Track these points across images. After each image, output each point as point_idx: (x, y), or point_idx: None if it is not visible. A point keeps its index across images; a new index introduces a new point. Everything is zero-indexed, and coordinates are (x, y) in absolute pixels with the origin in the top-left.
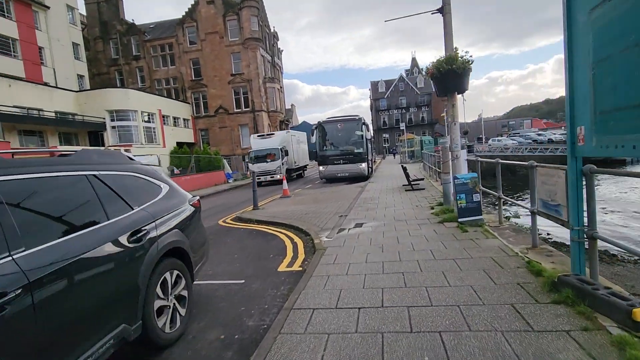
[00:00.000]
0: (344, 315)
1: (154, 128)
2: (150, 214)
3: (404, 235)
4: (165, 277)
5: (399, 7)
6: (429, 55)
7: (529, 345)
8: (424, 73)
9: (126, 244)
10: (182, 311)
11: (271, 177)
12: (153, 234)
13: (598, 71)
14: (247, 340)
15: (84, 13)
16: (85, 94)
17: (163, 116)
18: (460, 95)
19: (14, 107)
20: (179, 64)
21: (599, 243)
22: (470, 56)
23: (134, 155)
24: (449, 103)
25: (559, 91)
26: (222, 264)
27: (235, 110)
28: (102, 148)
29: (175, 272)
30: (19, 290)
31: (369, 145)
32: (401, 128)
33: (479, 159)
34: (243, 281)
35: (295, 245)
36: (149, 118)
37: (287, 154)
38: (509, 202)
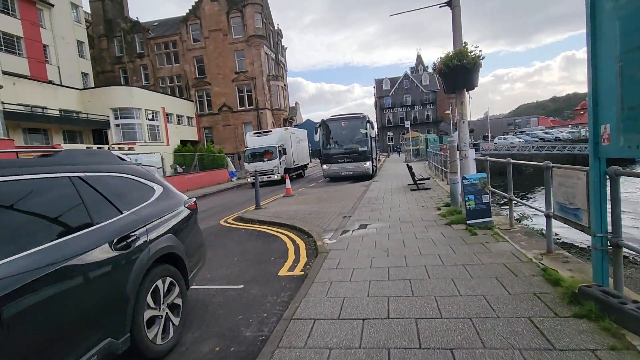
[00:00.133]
0: (347, 328)
1: (157, 126)
2: (141, 217)
3: (410, 238)
4: (157, 285)
5: (404, 4)
6: (434, 52)
7: None
8: (429, 70)
9: (112, 251)
10: (176, 320)
11: (268, 177)
12: (143, 239)
13: (626, 63)
14: (243, 353)
15: (89, 11)
16: (89, 92)
17: (167, 114)
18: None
19: (19, 104)
20: (182, 62)
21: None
22: (480, 51)
23: (137, 154)
24: (458, 100)
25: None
26: (221, 267)
27: (239, 108)
28: (95, 147)
29: (169, 280)
30: None
31: (374, 144)
32: (406, 126)
33: (489, 158)
34: (242, 286)
35: (297, 247)
36: (152, 116)
37: (285, 153)
38: (518, 203)
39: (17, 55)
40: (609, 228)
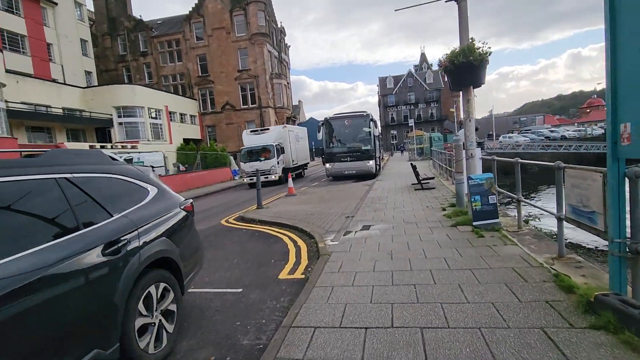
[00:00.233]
0: (348, 337)
1: (160, 124)
2: (133, 220)
3: (414, 240)
4: (149, 292)
5: (408, 1)
6: (438, 50)
7: None
8: (434, 67)
9: (100, 257)
10: (170, 328)
11: (265, 178)
12: (135, 243)
13: None
14: None
15: (92, 9)
16: (92, 90)
17: (170, 112)
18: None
19: (22, 103)
20: (185, 60)
21: (598, 241)
22: (489, 47)
23: (139, 152)
24: (464, 98)
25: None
26: (220, 269)
27: (242, 106)
28: (98, 145)
29: (162, 285)
30: None
31: (377, 142)
32: (410, 124)
33: (496, 157)
34: (240, 290)
35: (298, 249)
36: (155, 114)
37: (283, 152)
38: (526, 204)
39: (21, 54)
40: (628, 233)
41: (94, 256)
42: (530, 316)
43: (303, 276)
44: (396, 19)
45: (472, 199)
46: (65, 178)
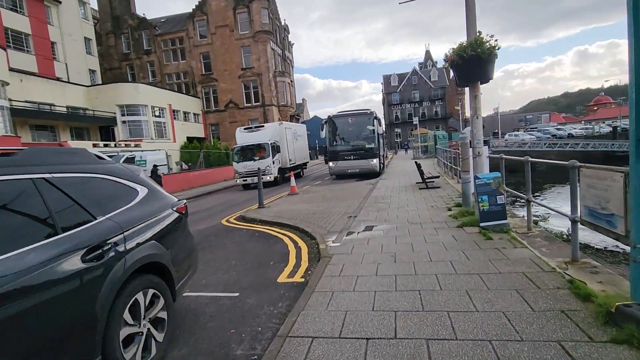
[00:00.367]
0: (348, 349)
1: (164, 123)
2: (118, 223)
3: (419, 241)
4: (136, 299)
5: None
6: (443, 48)
7: None
8: (439, 65)
9: (80, 263)
10: (160, 337)
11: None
12: (120, 248)
13: None
14: None
15: (96, 8)
16: (96, 88)
17: (173, 111)
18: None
19: (26, 102)
20: (189, 58)
21: (608, 241)
22: (496, 40)
23: (142, 151)
24: (471, 94)
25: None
26: (218, 271)
27: (246, 104)
28: (102, 144)
29: (151, 291)
30: None
31: (381, 141)
32: (414, 122)
33: (504, 156)
34: (237, 294)
35: (299, 250)
36: (159, 113)
37: (279, 150)
38: (535, 204)
39: (25, 52)
40: None
41: (73, 263)
42: (545, 327)
43: (302, 280)
44: (400, 17)
45: (479, 199)
46: (43, 178)
